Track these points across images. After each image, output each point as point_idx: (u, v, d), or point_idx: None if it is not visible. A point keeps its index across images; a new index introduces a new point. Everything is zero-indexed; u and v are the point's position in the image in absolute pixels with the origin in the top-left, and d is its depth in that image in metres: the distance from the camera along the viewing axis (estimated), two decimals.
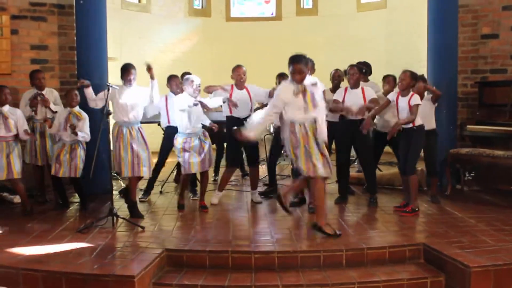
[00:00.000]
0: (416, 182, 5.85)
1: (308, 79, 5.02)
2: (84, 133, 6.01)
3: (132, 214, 5.78)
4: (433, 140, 6.26)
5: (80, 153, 6.06)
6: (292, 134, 4.92)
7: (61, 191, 6.23)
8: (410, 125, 5.72)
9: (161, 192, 7.08)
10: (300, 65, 4.94)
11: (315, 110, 4.92)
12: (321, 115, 4.96)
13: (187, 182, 6.33)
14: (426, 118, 6.07)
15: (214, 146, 8.42)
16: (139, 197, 6.54)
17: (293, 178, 6.81)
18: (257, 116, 5.15)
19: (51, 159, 6.15)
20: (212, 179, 8.04)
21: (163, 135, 6.93)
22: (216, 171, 8.19)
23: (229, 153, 6.56)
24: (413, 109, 5.61)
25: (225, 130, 8.19)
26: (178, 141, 6.01)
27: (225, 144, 8.31)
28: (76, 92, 6.13)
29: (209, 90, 6.35)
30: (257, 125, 5.07)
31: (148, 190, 6.81)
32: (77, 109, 6.11)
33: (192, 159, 5.95)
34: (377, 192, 6.37)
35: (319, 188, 4.99)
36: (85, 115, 6.12)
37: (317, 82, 5.06)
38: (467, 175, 6.96)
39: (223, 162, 8.38)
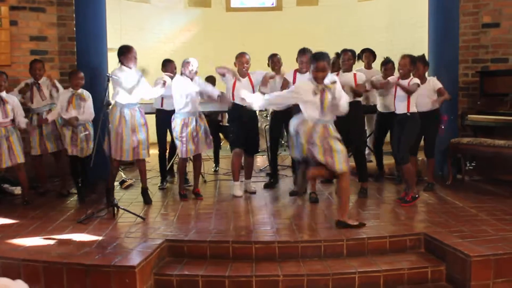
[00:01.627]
0: (410, 170, 5.81)
1: (328, 77, 4.85)
2: (87, 115, 6.10)
3: (144, 200, 5.99)
4: (436, 120, 6.28)
5: (91, 131, 6.17)
6: (309, 129, 4.81)
7: (76, 176, 6.24)
8: (404, 111, 5.71)
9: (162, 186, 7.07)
10: (324, 62, 4.75)
11: (329, 112, 4.83)
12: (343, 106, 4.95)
13: (183, 168, 6.34)
14: (428, 98, 6.13)
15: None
16: (158, 185, 6.84)
17: (293, 169, 6.81)
18: (271, 95, 5.14)
19: (65, 142, 6.17)
20: (213, 169, 8.05)
21: (156, 119, 6.92)
22: (216, 162, 8.19)
23: (231, 136, 6.52)
24: (412, 87, 5.61)
25: (219, 118, 8.26)
26: (177, 123, 6.03)
27: (221, 135, 8.38)
28: (81, 74, 6.15)
29: (219, 71, 6.27)
30: (263, 99, 5.02)
31: (164, 178, 6.95)
32: (80, 91, 6.14)
33: (189, 146, 6.02)
34: (368, 181, 6.40)
35: (343, 185, 4.90)
36: (88, 95, 6.17)
37: (336, 81, 4.87)
38: (468, 164, 6.96)
39: (221, 153, 8.43)
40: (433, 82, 6.27)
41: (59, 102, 6.17)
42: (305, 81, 5.01)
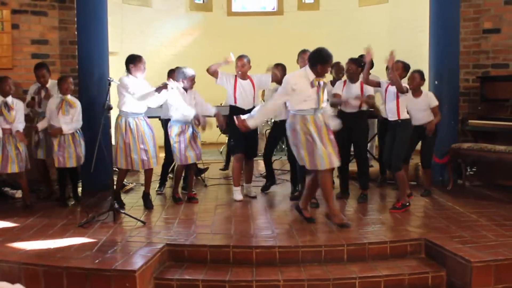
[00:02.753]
0: (403, 177, 5.78)
1: None
2: (75, 123, 6.04)
3: (144, 204, 5.97)
4: (434, 132, 6.26)
5: (80, 140, 6.11)
6: (301, 126, 5.03)
7: (64, 184, 6.21)
8: (395, 117, 5.71)
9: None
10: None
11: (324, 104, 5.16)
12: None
13: (181, 174, 6.37)
14: (424, 112, 6.12)
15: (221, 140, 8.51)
16: (156, 189, 6.81)
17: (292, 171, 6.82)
18: (263, 105, 5.20)
19: (53, 152, 6.07)
20: (220, 169, 8.10)
21: (163, 128, 6.92)
22: (227, 162, 8.20)
23: (231, 142, 6.54)
24: (399, 82, 5.58)
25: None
26: (174, 130, 6.08)
27: None
28: (71, 79, 6.14)
29: (211, 71, 6.26)
30: (259, 112, 5.21)
31: (162, 183, 6.94)
32: (69, 97, 6.11)
33: (188, 153, 6.05)
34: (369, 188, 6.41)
35: (324, 181, 5.10)
36: (78, 103, 6.14)
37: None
38: (468, 170, 6.95)
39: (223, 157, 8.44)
40: (430, 98, 6.24)
41: (48, 109, 6.09)
42: (300, 73, 5.19)
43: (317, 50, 5.14)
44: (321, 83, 5.08)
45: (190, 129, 6.09)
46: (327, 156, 4.99)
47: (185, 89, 6.07)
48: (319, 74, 5.06)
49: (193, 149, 6.10)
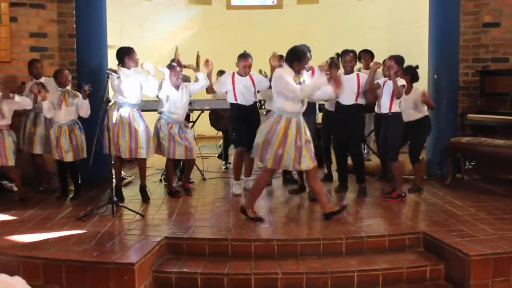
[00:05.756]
0: (399, 168, 5.82)
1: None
2: (85, 111, 6.00)
3: (141, 197, 5.99)
4: (422, 129, 6.25)
5: (79, 133, 6.07)
6: (274, 125, 4.97)
7: (64, 178, 6.21)
8: (386, 111, 5.72)
9: (160, 180, 7.08)
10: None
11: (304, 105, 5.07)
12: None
13: (172, 167, 6.37)
14: (413, 109, 6.11)
15: (221, 133, 8.46)
16: (165, 183, 6.77)
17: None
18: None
19: (51, 145, 6.05)
20: (224, 167, 8.04)
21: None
22: (226, 159, 8.18)
23: (234, 136, 6.52)
24: (399, 89, 5.58)
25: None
26: (162, 123, 6.10)
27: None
28: (67, 71, 6.11)
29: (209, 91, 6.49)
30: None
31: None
32: (69, 87, 6.09)
33: (178, 149, 6.07)
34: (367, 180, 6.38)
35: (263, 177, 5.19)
36: (78, 93, 6.09)
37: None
38: (467, 164, 6.95)
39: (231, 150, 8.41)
40: (419, 90, 6.20)
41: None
42: (285, 69, 5.07)
43: (291, 48, 5.06)
44: (302, 80, 5.04)
45: (177, 130, 6.10)
46: (294, 159, 4.97)
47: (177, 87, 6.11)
48: (297, 72, 5.01)
49: (184, 145, 6.09)
